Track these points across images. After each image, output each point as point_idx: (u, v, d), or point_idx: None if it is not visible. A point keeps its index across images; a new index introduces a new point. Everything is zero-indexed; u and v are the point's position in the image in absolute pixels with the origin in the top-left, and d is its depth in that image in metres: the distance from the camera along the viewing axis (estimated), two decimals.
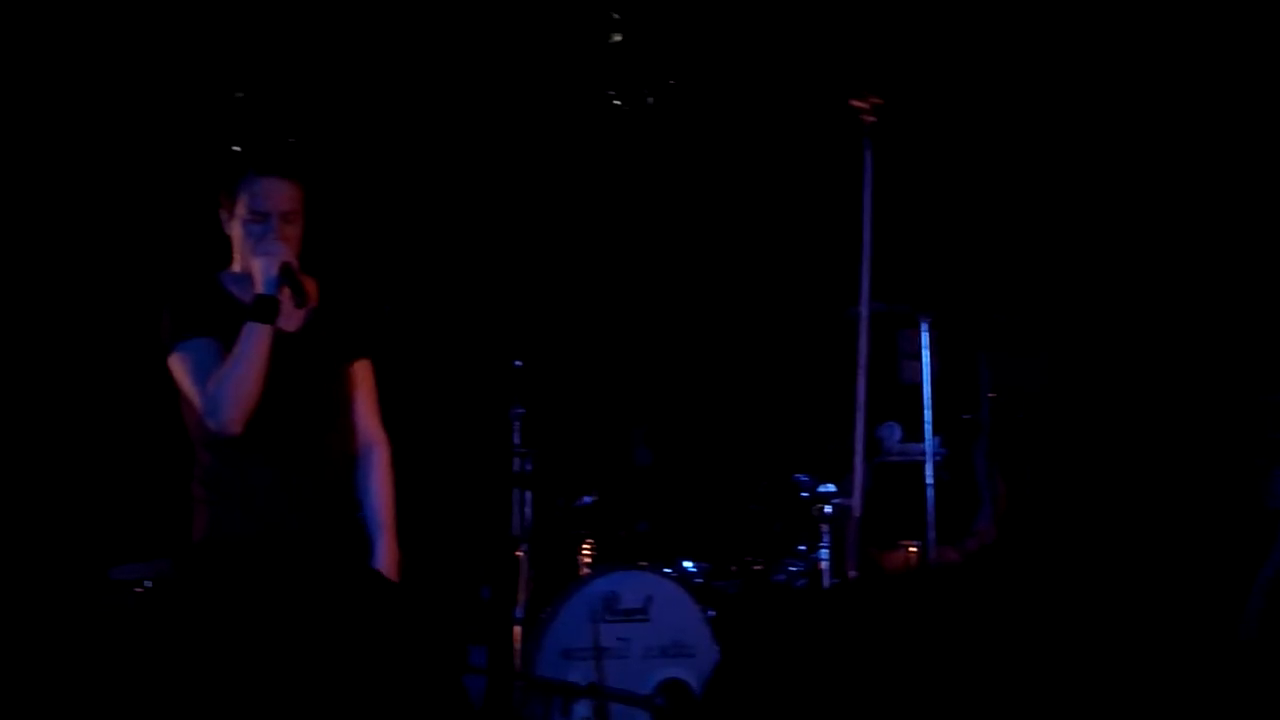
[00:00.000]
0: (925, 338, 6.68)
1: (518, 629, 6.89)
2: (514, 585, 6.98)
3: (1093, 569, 7.15)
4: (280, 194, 4.94)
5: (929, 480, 6.61)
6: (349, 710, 4.74)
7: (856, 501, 5.92)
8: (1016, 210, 7.70)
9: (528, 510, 7.05)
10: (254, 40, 7.74)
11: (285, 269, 4.84)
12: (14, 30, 7.36)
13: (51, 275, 7.64)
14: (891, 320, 6.86)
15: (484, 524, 7.67)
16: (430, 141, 8.18)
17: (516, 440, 7.07)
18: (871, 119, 5.95)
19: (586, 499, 7.32)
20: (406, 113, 8.06)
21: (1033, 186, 7.68)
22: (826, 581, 6.81)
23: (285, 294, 4.87)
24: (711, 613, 6.71)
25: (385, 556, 5.06)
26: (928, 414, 6.57)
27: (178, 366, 4.87)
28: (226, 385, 4.76)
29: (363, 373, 5.15)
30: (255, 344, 4.78)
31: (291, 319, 4.94)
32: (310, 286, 4.96)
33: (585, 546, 7.24)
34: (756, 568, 7.20)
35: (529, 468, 7.06)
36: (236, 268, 5.01)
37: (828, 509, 6.86)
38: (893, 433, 7.26)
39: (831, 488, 6.89)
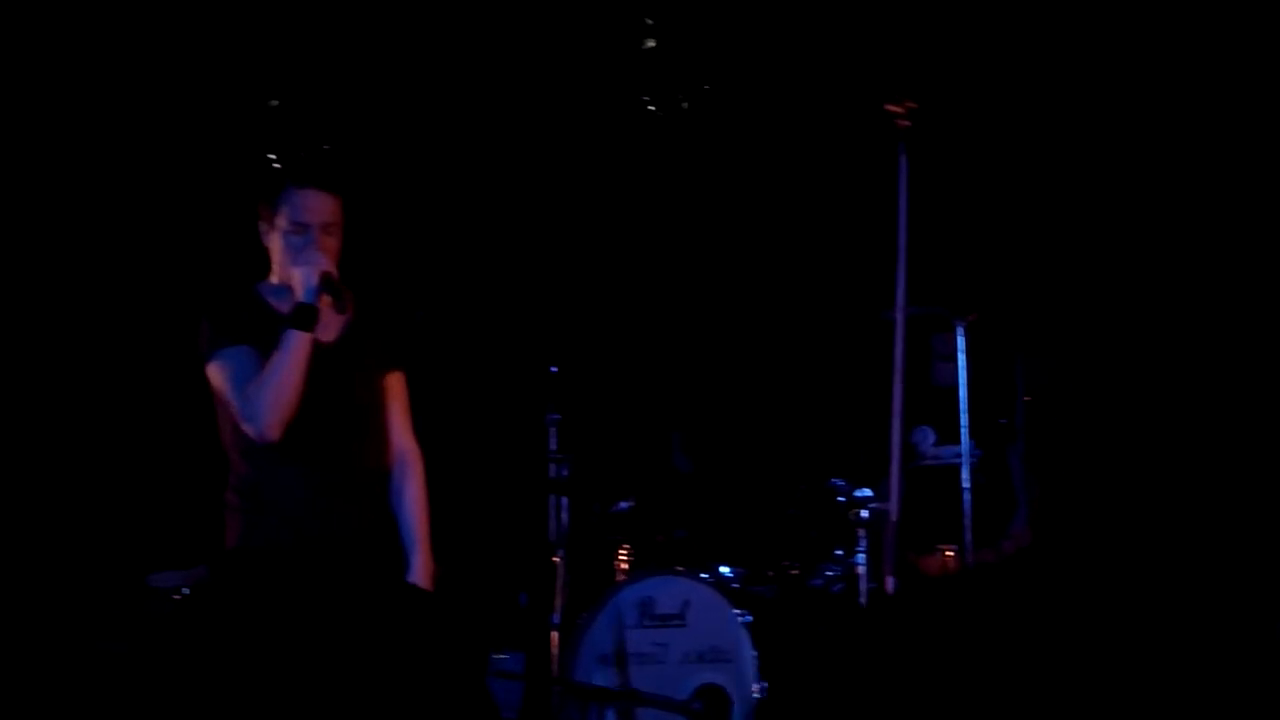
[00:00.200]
0: (961, 341, 6.66)
1: (555, 634, 6.90)
2: (551, 591, 6.99)
3: (1130, 571, 7.13)
4: (321, 206, 4.98)
5: (965, 484, 6.58)
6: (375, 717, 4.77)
7: (893, 506, 5.90)
8: (1051, 213, 7.67)
9: (564, 516, 7.06)
10: (288, 48, 7.77)
11: (325, 278, 4.88)
12: (49, 40, 7.40)
13: (89, 286, 7.69)
14: (924, 323, 6.85)
15: (521, 530, 7.68)
16: (465, 147, 8.19)
17: (553, 446, 7.08)
18: (906, 123, 5.94)
19: (623, 504, 7.32)
20: (441, 119, 8.07)
21: (1067, 189, 7.65)
22: (863, 586, 6.80)
23: (325, 303, 4.91)
24: (748, 618, 6.70)
25: (420, 568, 5.08)
26: (964, 417, 6.55)
27: (216, 374, 4.91)
28: (266, 392, 4.79)
29: (396, 385, 5.18)
30: (294, 352, 4.82)
31: (328, 329, 4.98)
32: (348, 297, 4.99)
33: (622, 552, 7.24)
34: (793, 573, 7.19)
35: (565, 473, 7.07)
36: (274, 278, 5.05)
37: (864, 513, 6.84)
38: (926, 437, 7.24)
39: (868, 492, 6.88)
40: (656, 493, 7.56)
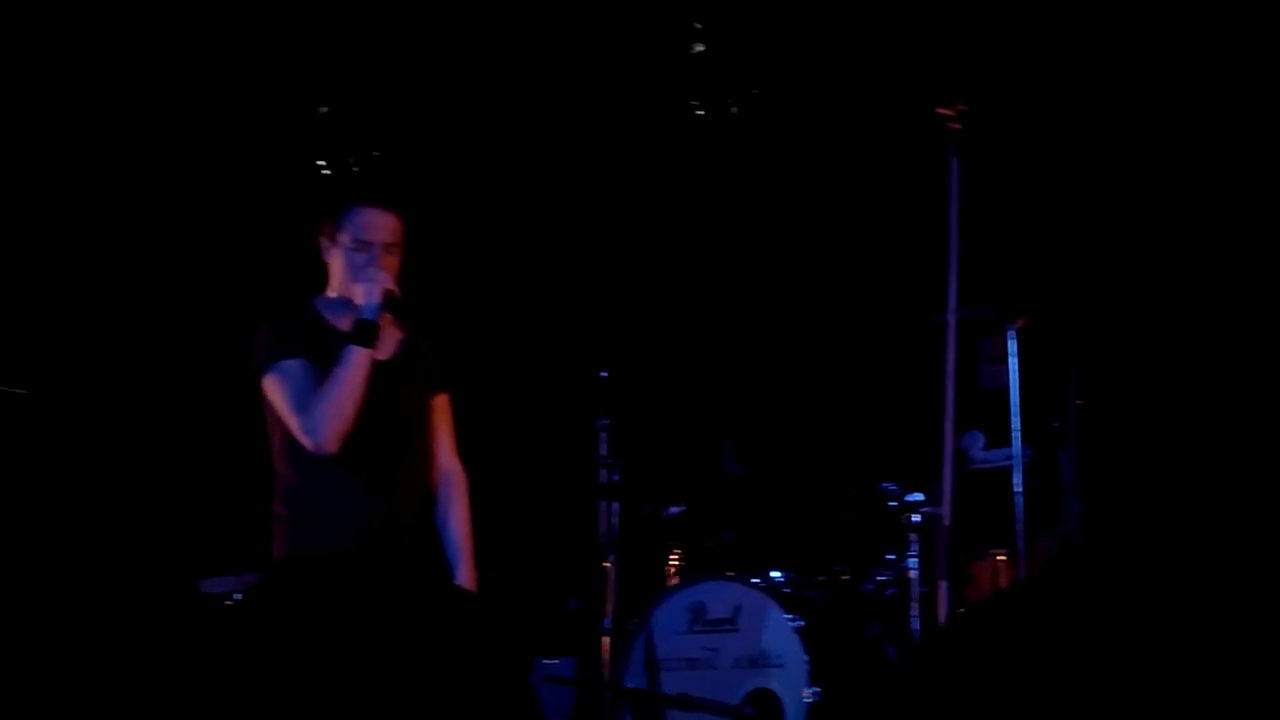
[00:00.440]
0: (1012, 344, 6.64)
1: (605, 640, 6.91)
2: (602, 596, 6.99)
3: (1185, 578, 7.08)
4: (384, 225, 5.06)
5: (1018, 488, 6.55)
6: None
7: (946, 510, 5.87)
8: (1102, 216, 7.64)
9: (615, 521, 7.07)
10: (338, 56, 7.80)
11: (388, 296, 4.94)
12: (100, 50, 7.45)
13: (147, 299, 7.76)
14: (971, 327, 6.82)
15: (571, 535, 7.69)
16: (516, 152, 8.21)
17: (603, 451, 7.09)
18: (957, 126, 5.93)
19: (674, 509, 7.32)
20: (492, 124, 8.09)
21: (1117, 192, 7.62)
22: (914, 591, 6.77)
23: (385, 321, 4.97)
24: (800, 623, 6.68)
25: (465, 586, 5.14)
26: (1015, 421, 6.52)
27: (273, 386, 4.95)
28: (326, 406, 4.85)
29: (443, 406, 5.26)
30: (355, 367, 4.88)
31: (385, 346, 5.02)
32: (408, 316, 5.05)
33: (673, 557, 7.24)
34: (844, 577, 7.17)
35: (616, 478, 7.08)
36: (332, 293, 5.10)
37: (916, 518, 6.81)
38: (976, 441, 7.22)
39: (919, 496, 6.86)
40: (707, 497, 7.56)
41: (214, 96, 7.78)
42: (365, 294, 4.95)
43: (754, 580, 6.88)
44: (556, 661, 7.17)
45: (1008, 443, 6.68)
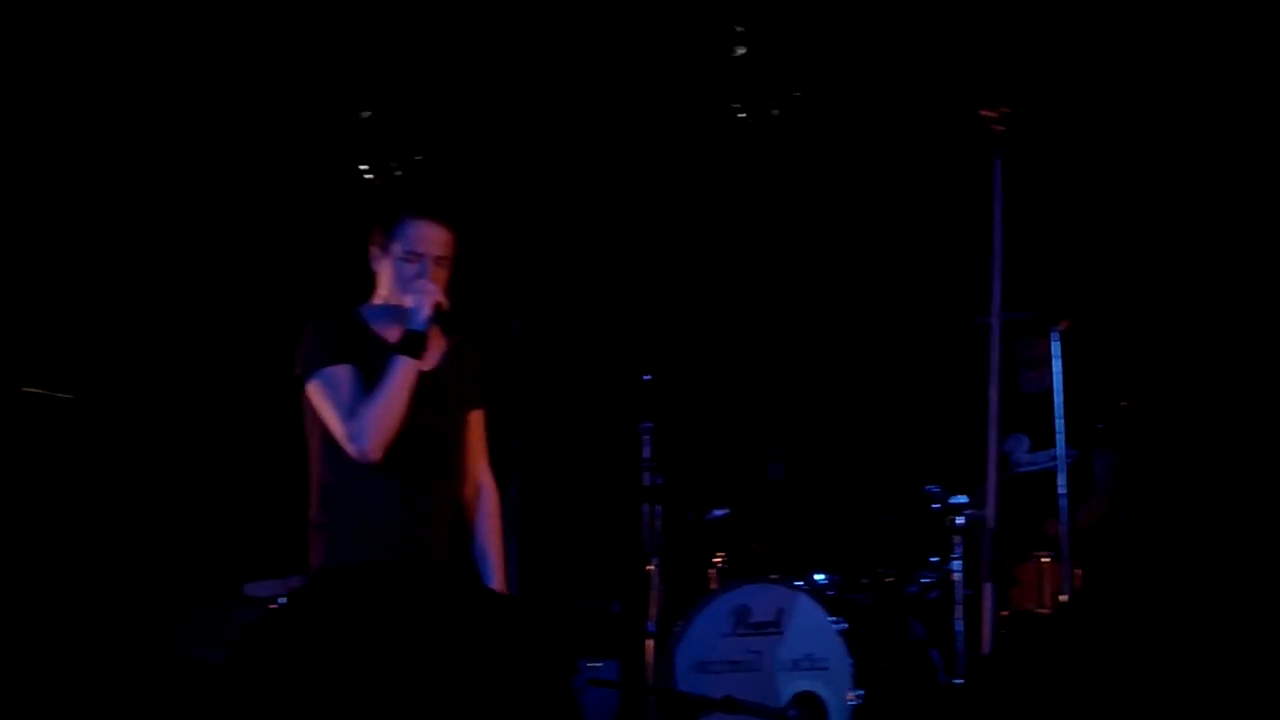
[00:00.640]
0: (1056, 346, 6.61)
1: (649, 642, 6.91)
2: (645, 599, 7.00)
3: (1228, 578, 7.06)
4: (436, 238, 5.08)
5: (1062, 490, 6.53)
6: None
7: (990, 512, 5.85)
8: (1146, 218, 7.62)
9: (658, 524, 7.07)
10: (380, 61, 7.82)
11: (436, 308, 4.96)
12: (142, 56, 7.49)
13: (191, 303, 7.80)
14: (1011, 329, 6.80)
15: (615, 538, 7.70)
16: (560, 156, 8.22)
17: (646, 454, 7.09)
18: (1001, 128, 5.92)
19: (717, 512, 7.33)
20: (535, 129, 8.10)
21: (1160, 195, 7.59)
22: (959, 593, 6.75)
23: (433, 332, 4.99)
24: (844, 625, 6.68)
25: None
26: (1059, 423, 6.49)
27: (317, 391, 4.97)
28: (373, 413, 4.88)
29: (478, 421, 5.28)
30: (401, 377, 4.91)
31: (429, 358, 5.04)
32: (456, 329, 5.11)
33: (716, 559, 7.24)
34: (888, 579, 7.17)
35: (659, 481, 7.08)
36: (378, 301, 5.13)
37: (960, 520, 6.80)
38: (1020, 444, 7.21)
39: (964, 498, 6.84)
40: (750, 500, 7.56)
41: (258, 102, 7.81)
42: (415, 305, 4.97)
43: (798, 583, 6.89)
44: (600, 664, 7.18)
45: (1050, 445, 6.66)
